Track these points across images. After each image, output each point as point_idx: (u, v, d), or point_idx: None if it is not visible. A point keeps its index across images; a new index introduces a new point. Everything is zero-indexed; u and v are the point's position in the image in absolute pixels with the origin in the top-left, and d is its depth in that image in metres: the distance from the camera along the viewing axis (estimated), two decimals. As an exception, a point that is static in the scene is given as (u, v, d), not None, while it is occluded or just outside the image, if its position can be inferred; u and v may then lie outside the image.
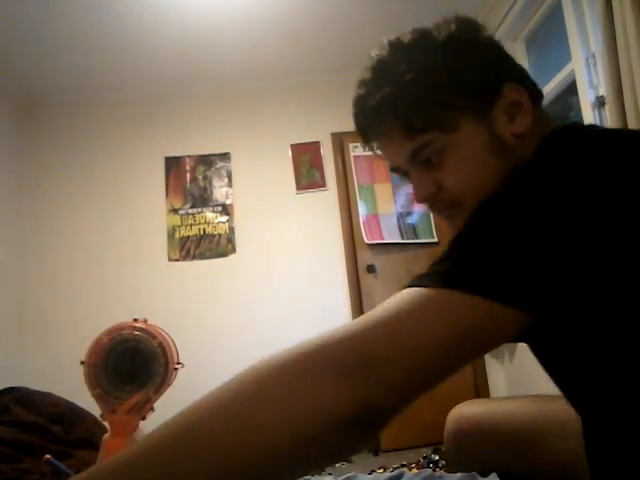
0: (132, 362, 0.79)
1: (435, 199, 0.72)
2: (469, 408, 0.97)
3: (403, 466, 2.88)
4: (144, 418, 0.80)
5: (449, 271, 0.55)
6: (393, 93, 0.69)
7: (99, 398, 0.78)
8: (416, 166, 0.72)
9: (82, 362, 0.79)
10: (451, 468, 0.97)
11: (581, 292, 0.53)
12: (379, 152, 0.76)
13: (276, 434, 0.47)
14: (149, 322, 0.89)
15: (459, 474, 0.88)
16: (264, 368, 0.51)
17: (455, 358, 0.54)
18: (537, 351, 0.66)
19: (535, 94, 0.72)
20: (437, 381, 0.54)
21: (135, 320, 0.83)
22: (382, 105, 0.70)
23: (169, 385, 0.80)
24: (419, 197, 0.73)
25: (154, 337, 0.81)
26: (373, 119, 0.72)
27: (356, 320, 0.54)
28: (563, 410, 0.79)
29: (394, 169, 0.76)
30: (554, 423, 0.80)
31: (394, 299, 0.55)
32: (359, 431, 0.50)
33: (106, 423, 0.81)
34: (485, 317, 0.52)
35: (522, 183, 0.58)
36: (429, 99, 0.68)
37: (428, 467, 2.80)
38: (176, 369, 0.81)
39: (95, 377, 0.78)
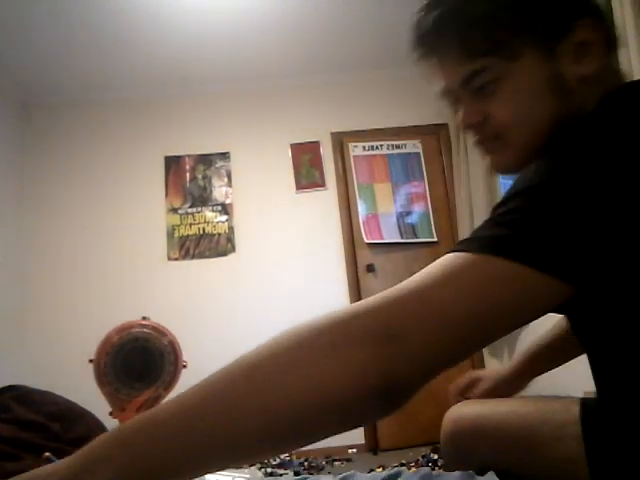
0: (142, 360, 0.79)
1: (479, 129, 0.69)
2: (467, 408, 0.95)
3: (402, 465, 2.88)
4: (152, 415, 0.80)
5: (494, 236, 0.52)
6: (456, 8, 0.66)
7: (109, 395, 0.79)
8: (468, 92, 0.68)
9: (91, 360, 0.79)
10: (449, 469, 0.97)
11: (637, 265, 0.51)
12: (430, 73, 0.72)
13: (302, 400, 0.48)
14: (151, 320, 0.89)
15: (457, 472, 0.88)
16: (298, 335, 0.52)
17: (487, 332, 0.51)
18: (572, 320, 0.65)
19: (610, 38, 0.67)
20: (465, 355, 0.52)
21: (143, 319, 0.83)
22: (443, 20, 0.66)
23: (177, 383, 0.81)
24: (464, 124, 0.70)
25: (164, 335, 0.81)
26: (431, 35, 0.68)
27: (393, 287, 0.52)
28: (562, 412, 0.79)
29: (444, 93, 0.73)
30: (553, 425, 0.79)
31: (433, 265, 0.53)
32: (382, 401, 0.49)
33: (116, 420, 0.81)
34: (529, 288, 0.49)
35: (580, 140, 0.54)
36: (493, 20, 0.63)
37: (427, 466, 2.80)
38: (184, 366, 0.81)
39: (105, 375, 0.78)
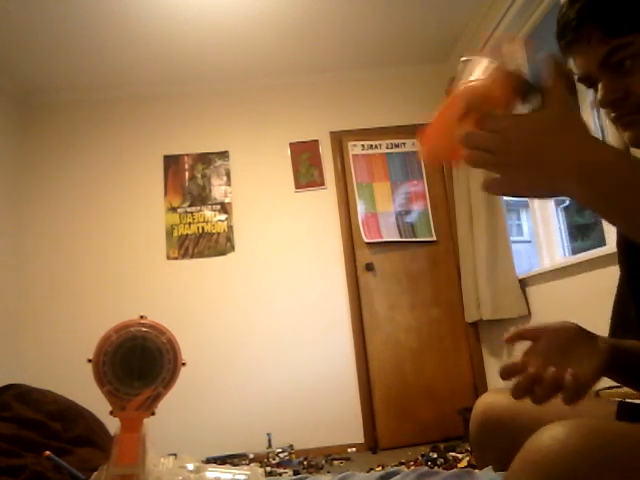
0: (141, 359, 0.79)
1: (620, 104, 0.73)
2: (496, 398, 0.95)
3: (401, 464, 2.89)
4: (153, 413, 0.81)
5: None
6: None
7: (109, 394, 0.79)
8: (607, 71, 0.72)
9: (89, 360, 0.79)
10: (476, 458, 0.96)
11: None
12: (572, 62, 0.77)
13: None
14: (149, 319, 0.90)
15: (455, 470, 0.89)
16: None
17: None
18: None
19: None
20: None
21: (141, 317, 0.83)
22: (586, 9, 0.71)
23: (176, 380, 0.81)
24: (605, 101, 0.74)
25: (162, 333, 0.81)
26: (575, 24, 0.72)
27: None
28: (598, 409, 0.79)
29: (583, 78, 0.77)
30: None
31: None
32: None
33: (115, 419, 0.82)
34: None
35: None
36: (634, 1, 0.68)
37: (426, 465, 2.81)
38: (184, 364, 0.81)
39: (104, 374, 0.78)
